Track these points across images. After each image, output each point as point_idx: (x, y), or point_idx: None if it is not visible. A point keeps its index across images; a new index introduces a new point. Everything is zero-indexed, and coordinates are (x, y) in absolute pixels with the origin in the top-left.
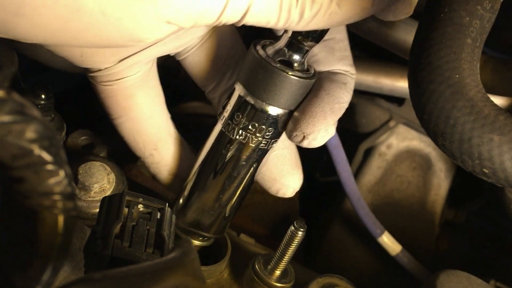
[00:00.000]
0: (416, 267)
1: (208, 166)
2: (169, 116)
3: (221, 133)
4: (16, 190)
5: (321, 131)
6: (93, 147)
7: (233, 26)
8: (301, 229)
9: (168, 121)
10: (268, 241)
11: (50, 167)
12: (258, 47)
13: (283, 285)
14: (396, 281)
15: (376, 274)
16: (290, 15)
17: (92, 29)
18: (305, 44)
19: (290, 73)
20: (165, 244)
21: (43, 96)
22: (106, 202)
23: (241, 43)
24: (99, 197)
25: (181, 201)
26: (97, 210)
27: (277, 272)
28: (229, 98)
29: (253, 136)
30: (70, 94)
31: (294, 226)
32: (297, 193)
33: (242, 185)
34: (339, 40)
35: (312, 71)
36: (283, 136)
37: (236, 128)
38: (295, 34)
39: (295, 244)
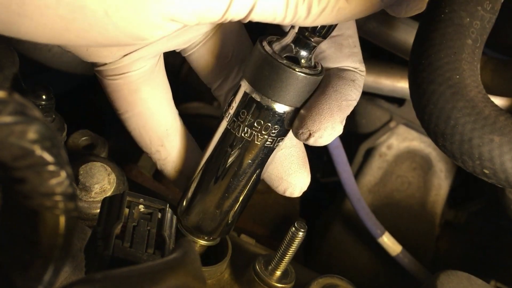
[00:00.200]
0: (417, 267)
1: (213, 164)
2: (176, 113)
3: (226, 131)
4: (18, 191)
5: (328, 128)
6: (94, 147)
7: (239, 22)
8: (302, 230)
9: (175, 118)
10: (268, 241)
11: (51, 167)
12: (264, 43)
13: (283, 285)
14: (396, 282)
15: (376, 274)
16: (297, 11)
17: (96, 29)
18: (312, 40)
19: (297, 69)
20: (166, 245)
21: (44, 97)
22: (107, 202)
23: (248, 39)
24: (100, 197)
25: (186, 199)
26: (98, 210)
27: (278, 273)
28: (234, 95)
29: (259, 134)
30: (70, 95)
31: (294, 226)
32: None
33: (247, 184)
34: (348, 36)
35: (319, 68)
36: (290, 134)
37: (242, 126)
38: (302, 29)
39: (295, 245)
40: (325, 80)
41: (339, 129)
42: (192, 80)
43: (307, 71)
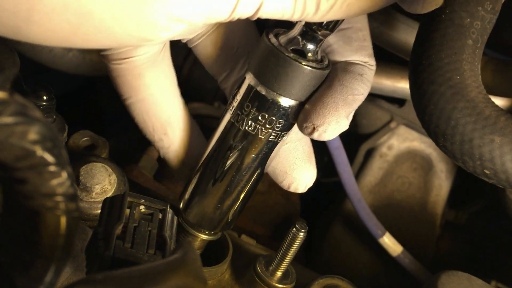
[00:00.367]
0: (417, 268)
1: (215, 158)
2: (181, 102)
3: (229, 124)
4: (19, 191)
5: (332, 123)
6: (95, 148)
7: None
8: (303, 230)
9: (179, 107)
10: (269, 242)
11: (52, 168)
12: (271, 35)
13: (284, 286)
14: (397, 282)
15: (377, 275)
16: (306, 7)
17: (103, 33)
18: (320, 33)
19: (303, 63)
20: (167, 245)
21: (44, 98)
22: (108, 203)
23: (255, 31)
24: (101, 198)
25: (188, 193)
26: (99, 211)
27: (279, 273)
28: (239, 87)
29: (263, 128)
30: (71, 95)
31: (295, 227)
32: (298, 194)
33: (250, 179)
34: (358, 29)
35: (326, 62)
36: (296, 128)
37: (246, 119)
38: (309, 22)
39: (296, 245)
40: (332, 74)
41: (344, 124)
42: (192, 81)
43: (313, 64)
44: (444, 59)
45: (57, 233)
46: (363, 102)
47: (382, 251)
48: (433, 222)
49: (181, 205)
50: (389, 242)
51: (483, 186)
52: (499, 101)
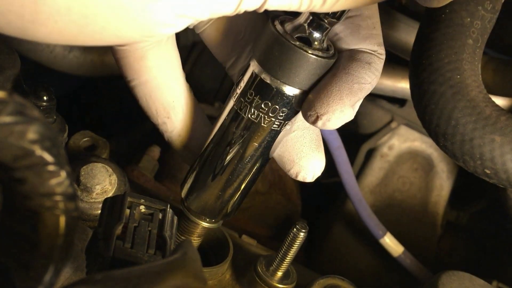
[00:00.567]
0: (418, 268)
1: (218, 145)
2: (186, 86)
3: (232, 111)
4: (18, 191)
5: (336, 111)
6: (95, 148)
7: None
8: (303, 230)
9: (184, 91)
10: (270, 242)
11: (51, 167)
12: (276, 23)
13: (285, 286)
14: (398, 282)
15: (378, 275)
16: None
17: (108, 30)
18: (326, 21)
19: (309, 51)
20: (167, 245)
21: (45, 98)
22: (108, 203)
23: (262, 15)
24: (101, 198)
25: (190, 180)
26: (99, 211)
27: (279, 273)
28: (243, 74)
29: (266, 116)
30: (72, 96)
31: (296, 227)
32: (298, 194)
33: (253, 168)
34: (367, 17)
35: (332, 51)
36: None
37: (249, 107)
38: None
39: (297, 245)
40: (338, 62)
41: (349, 113)
42: (193, 81)
43: (319, 53)
44: (444, 58)
45: (56, 233)
46: (364, 102)
47: (383, 251)
48: (434, 222)
49: (183, 192)
50: (390, 243)
51: (484, 186)
52: (500, 101)
